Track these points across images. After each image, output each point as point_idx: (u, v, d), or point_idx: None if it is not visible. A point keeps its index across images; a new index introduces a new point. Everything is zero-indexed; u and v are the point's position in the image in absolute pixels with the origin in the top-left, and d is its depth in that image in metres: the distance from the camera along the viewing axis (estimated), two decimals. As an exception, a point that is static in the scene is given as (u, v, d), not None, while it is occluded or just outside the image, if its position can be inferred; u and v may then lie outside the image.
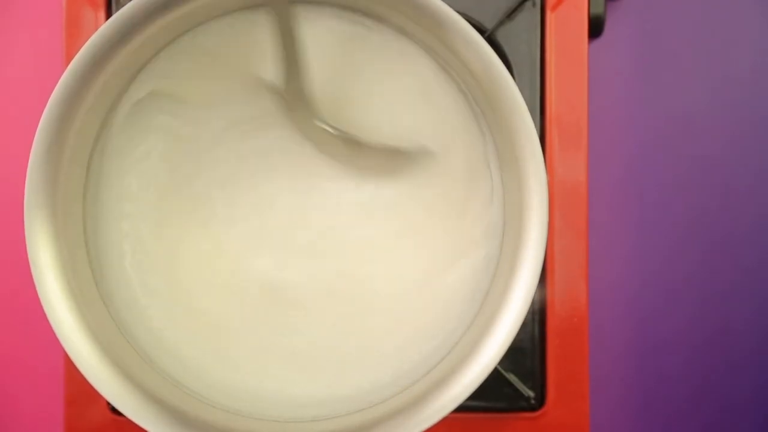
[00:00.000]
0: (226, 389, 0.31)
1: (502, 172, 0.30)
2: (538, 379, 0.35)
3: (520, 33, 0.35)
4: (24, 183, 0.27)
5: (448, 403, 0.27)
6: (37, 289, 0.27)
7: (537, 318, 0.35)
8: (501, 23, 0.34)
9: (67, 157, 0.28)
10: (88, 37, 0.27)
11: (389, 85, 0.31)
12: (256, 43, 0.30)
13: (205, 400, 0.29)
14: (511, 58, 0.34)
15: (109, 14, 0.34)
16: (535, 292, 0.27)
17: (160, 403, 0.27)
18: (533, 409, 0.35)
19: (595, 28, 0.36)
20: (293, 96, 0.31)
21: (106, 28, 0.27)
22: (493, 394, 0.34)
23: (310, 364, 0.31)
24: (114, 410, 0.34)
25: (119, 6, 0.34)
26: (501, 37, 0.34)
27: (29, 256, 0.27)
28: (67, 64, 0.27)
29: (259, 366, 0.31)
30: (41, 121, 0.27)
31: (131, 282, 0.31)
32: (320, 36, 0.30)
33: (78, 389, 0.34)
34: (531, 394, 0.35)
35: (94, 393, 0.34)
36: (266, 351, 0.31)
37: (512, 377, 0.35)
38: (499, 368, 0.34)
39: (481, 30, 0.34)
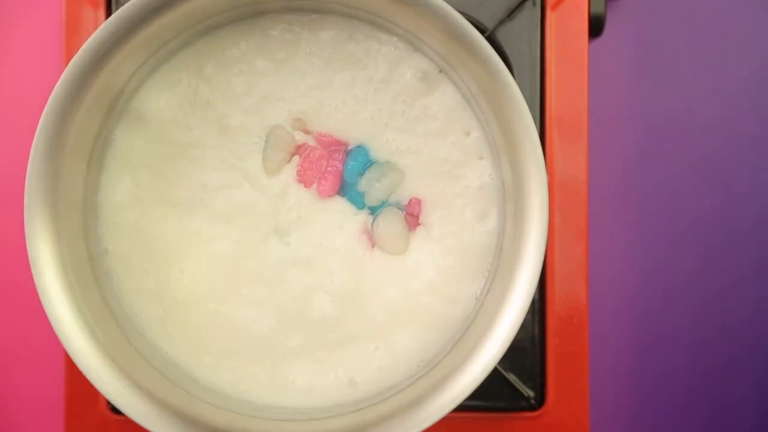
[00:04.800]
0: (224, 389, 0.31)
1: (503, 173, 0.30)
2: (538, 379, 0.35)
3: (520, 32, 0.35)
4: (23, 179, 0.27)
5: (447, 404, 0.27)
6: (37, 287, 0.27)
7: (537, 318, 0.35)
8: (501, 23, 0.34)
9: (67, 153, 0.28)
10: (88, 36, 0.27)
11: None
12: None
13: (204, 400, 0.29)
14: (511, 57, 0.34)
15: (109, 13, 0.34)
16: (535, 292, 0.27)
17: (159, 401, 0.27)
18: (533, 408, 0.35)
19: (595, 27, 0.35)
20: None
21: (107, 25, 0.27)
22: (493, 394, 0.34)
23: (309, 364, 0.31)
24: (114, 409, 0.34)
25: (119, 5, 0.34)
26: (501, 36, 0.34)
27: (29, 254, 0.27)
28: (67, 64, 0.27)
29: (258, 365, 0.31)
30: (42, 118, 0.27)
31: (131, 281, 0.31)
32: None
33: (78, 389, 0.34)
34: (531, 394, 0.35)
35: (94, 393, 0.34)
36: (264, 350, 0.31)
37: (512, 377, 0.35)
38: (499, 368, 0.34)
39: (481, 29, 0.34)
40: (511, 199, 0.29)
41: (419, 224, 0.31)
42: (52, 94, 0.27)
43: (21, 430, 0.41)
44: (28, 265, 0.27)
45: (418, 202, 0.31)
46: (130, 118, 0.31)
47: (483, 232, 0.31)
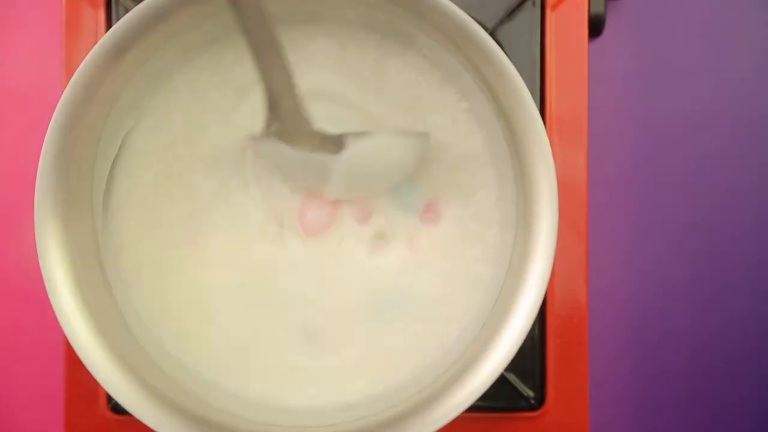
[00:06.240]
0: (234, 396, 0.30)
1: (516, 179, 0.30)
2: (538, 379, 0.35)
3: (520, 32, 0.35)
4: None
5: (451, 410, 0.27)
6: (52, 301, 0.27)
7: (537, 318, 0.35)
8: (501, 22, 0.34)
9: (75, 165, 0.28)
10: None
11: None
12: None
13: (213, 406, 0.29)
14: (511, 57, 0.34)
15: (109, 14, 0.34)
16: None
17: (174, 408, 0.27)
18: (533, 409, 0.35)
19: (595, 27, 0.35)
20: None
21: (120, 25, 0.27)
22: (492, 394, 0.34)
23: (314, 372, 0.31)
24: (114, 410, 0.34)
25: (119, 6, 0.34)
26: (501, 36, 0.34)
27: (42, 267, 0.27)
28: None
29: (266, 373, 0.31)
30: (48, 131, 0.27)
31: (143, 290, 0.31)
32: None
33: (78, 389, 0.34)
34: (531, 394, 0.35)
35: (94, 393, 0.34)
36: (274, 358, 0.31)
37: (512, 377, 0.35)
38: (499, 368, 0.34)
39: (480, 29, 0.34)
40: (521, 199, 0.29)
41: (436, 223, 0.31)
42: (59, 103, 0.27)
43: (21, 431, 0.41)
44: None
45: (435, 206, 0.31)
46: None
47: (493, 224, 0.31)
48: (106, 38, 0.27)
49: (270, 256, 0.31)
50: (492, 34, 0.34)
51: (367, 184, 0.30)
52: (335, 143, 0.29)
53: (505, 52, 0.34)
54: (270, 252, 0.31)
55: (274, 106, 0.29)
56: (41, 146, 0.27)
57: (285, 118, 0.29)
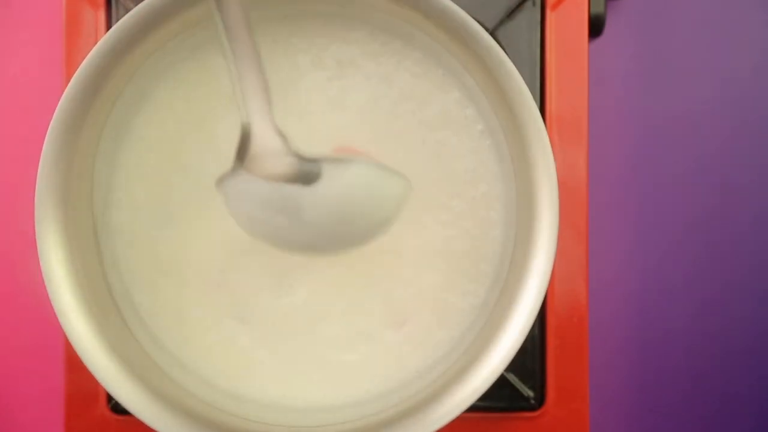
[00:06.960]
0: (233, 394, 0.30)
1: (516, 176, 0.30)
2: (537, 379, 0.35)
3: (520, 32, 0.35)
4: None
5: (451, 410, 0.27)
6: (52, 301, 0.27)
7: (537, 318, 0.35)
8: (501, 23, 0.34)
9: (75, 165, 0.28)
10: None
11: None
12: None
13: (214, 406, 0.29)
14: (511, 57, 0.34)
15: (109, 14, 0.34)
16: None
17: (175, 407, 0.27)
18: (533, 409, 0.35)
19: (595, 27, 0.35)
20: None
21: (120, 25, 0.27)
22: (492, 394, 0.34)
23: (316, 370, 0.31)
24: (114, 410, 0.34)
25: (119, 6, 0.34)
26: (501, 36, 0.34)
27: (42, 266, 0.27)
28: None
29: (267, 371, 0.31)
30: (49, 131, 0.27)
31: (138, 289, 0.31)
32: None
33: (78, 389, 0.34)
34: (531, 394, 0.35)
35: (94, 393, 0.34)
36: (273, 356, 0.31)
37: (512, 377, 0.35)
38: (499, 368, 0.34)
39: (480, 30, 0.34)
40: (521, 199, 0.29)
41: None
42: (59, 103, 0.27)
43: (21, 431, 0.41)
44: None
45: None
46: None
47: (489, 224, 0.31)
48: (106, 38, 0.27)
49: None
50: (492, 34, 0.34)
51: (343, 228, 0.27)
52: (310, 174, 0.26)
53: (505, 52, 0.34)
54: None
55: (246, 133, 0.26)
56: (41, 146, 0.27)
57: (258, 144, 0.26)
